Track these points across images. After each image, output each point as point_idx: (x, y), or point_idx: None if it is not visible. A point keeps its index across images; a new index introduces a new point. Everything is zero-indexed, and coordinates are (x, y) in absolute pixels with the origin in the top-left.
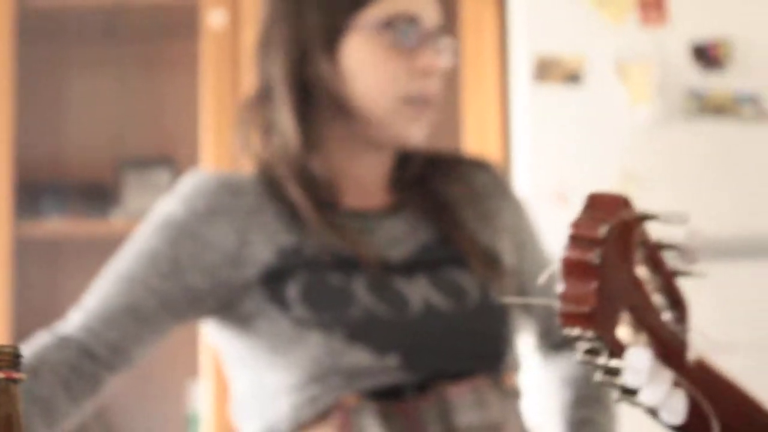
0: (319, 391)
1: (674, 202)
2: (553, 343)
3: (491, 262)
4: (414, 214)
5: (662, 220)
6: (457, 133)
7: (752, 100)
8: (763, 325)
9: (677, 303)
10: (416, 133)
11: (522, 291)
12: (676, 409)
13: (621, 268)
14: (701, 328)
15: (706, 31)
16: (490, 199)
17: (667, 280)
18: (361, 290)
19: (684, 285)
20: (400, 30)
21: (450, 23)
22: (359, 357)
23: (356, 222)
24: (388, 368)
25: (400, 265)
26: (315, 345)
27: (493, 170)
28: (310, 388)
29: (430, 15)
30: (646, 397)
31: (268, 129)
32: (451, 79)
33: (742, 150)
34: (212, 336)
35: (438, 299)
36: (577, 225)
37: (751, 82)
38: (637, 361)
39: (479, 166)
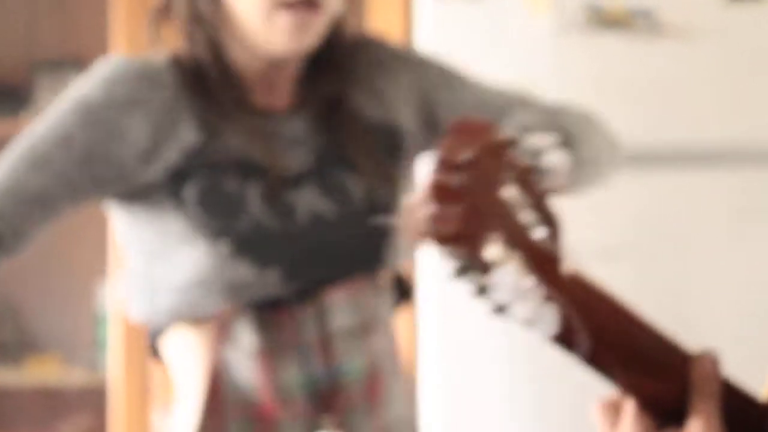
0: (199, 297)
1: None
2: None
3: (379, 163)
4: (311, 115)
5: (525, 143)
6: None
7: (646, 14)
8: (659, 234)
9: (549, 220)
10: (300, 43)
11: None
12: (548, 322)
13: (487, 190)
14: (586, 237)
15: None
16: (382, 76)
17: (538, 200)
18: (253, 199)
19: (593, 195)
20: None
21: None
22: (241, 271)
23: (263, 123)
24: (269, 282)
25: (295, 173)
26: (201, 252)
27: (375, 45)
28: (190, 293)
29: None
30: (517, 312)
31: (192, 20)
32: None
33: (635, 63)
34: (114, 218)
35: (324, 207)
36: (443, 149)
37: None
38: (503, 278)
39: (365, 43)
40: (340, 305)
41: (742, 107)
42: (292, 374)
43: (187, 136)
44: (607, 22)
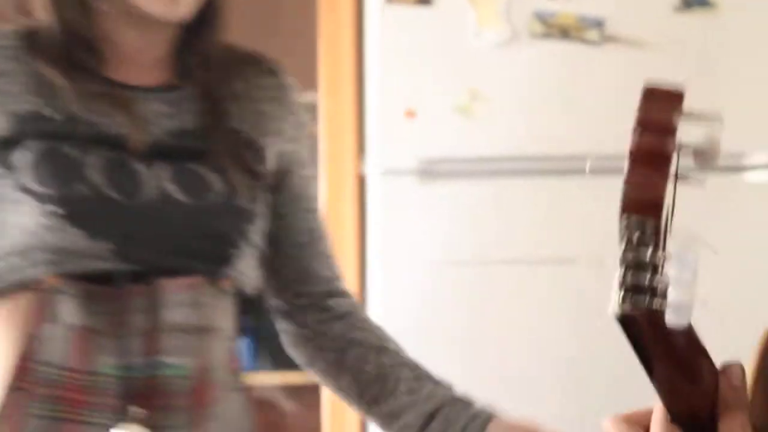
0: (21, 264)
1: (519, 119)
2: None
3: (245, 163)
4: (183, 98)
5: (700, 118)
6: (312, 51)
7: (597, 24)
8: (599, 239)
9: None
10: (174, 8)
11: (274, 220)
12: (687, 314)
13: (670, 161)
14: (546, 244)
15: None
16: (270, 103)
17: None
18: (94, 167)
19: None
20: None
21: None
22: (70, 239)
23: (113, 94)
24: (99, 254)
25: (147, 149)
26: (29, 215)
27: (283, 78)
28: (12, 259)
29: None
30: (675, 293)
31: None
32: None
33: (585, 72)
34: None
35: (175, 190)
36: (647, 112)
37: (597, 6)
38: (687, 255)
39: (269, 69)
40: (176, 299)
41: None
42: (109, 360)
43: (21, 102)
44: (557, 31)
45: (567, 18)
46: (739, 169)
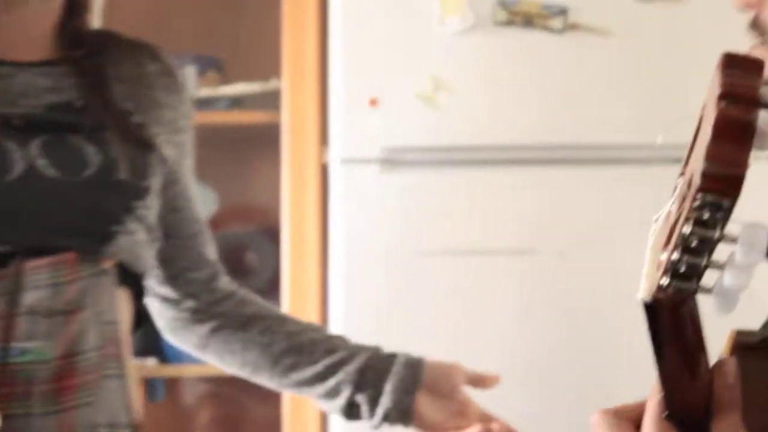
0: None
1: (482, 108)
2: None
3: (131, 137)
4: (66, 73)
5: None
6: (276, 38)
7: (561, 12)
8: (562, 230)
9: None
10: None
11: (169, 212)
12: (734, 302)
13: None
14: (499, 235)
15: None
16: (161, 91)
17: None
18: None
19: (489, 192)
20: None
21: None
22: None
23: None
24: None
25: (19, 123)
26: None
27: (173, 67)
28: None
29: None
30: (732, 278)
31: None
32: None
33: (549, 61)
34: None
35: (45, 165)
36: (731, 82)
37: None
38: (756, 238)
39: (158, 57)
40: (35, 281)
41: (655, 106)
42: None
43: None
44: (521, 18)
45: (530, 6)
46: None
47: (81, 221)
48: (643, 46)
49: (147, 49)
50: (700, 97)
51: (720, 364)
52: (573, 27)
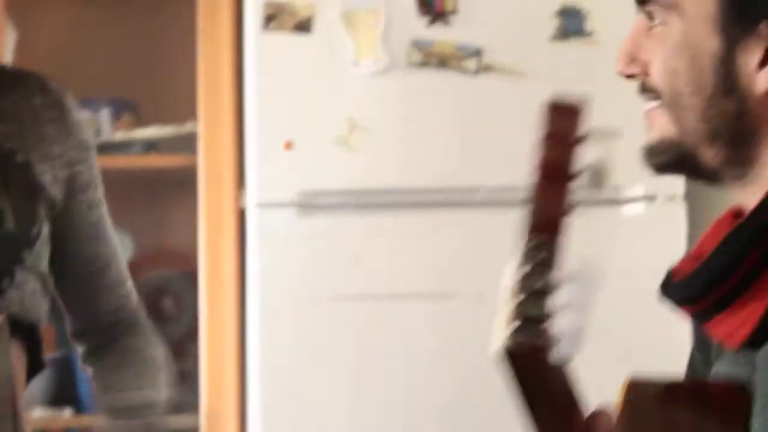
0: None
1: (398, 151)
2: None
3: (14, 184)
4: None
5: (598, 135)
6: (191, 80)
7: (475, 53)
8: (479, 274)
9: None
10: None
11: (56, 248)
12: (580, 343)
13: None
14: (410, 279)
15: None
16: (45, 125)
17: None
18: None
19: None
20: None
21: None
22: None
23: None
24: None
25: None
26: None
27: (61, 97)
28: None
29: None
30: (571, 320)
31: None
32: (187, 29)
33: (464, 101)
34: None
35: None
36: (551, 126)
37: (475, 35)
38: (586, 280)
39: (44, 88)
40: None
41: None
42: None
43: None
44: (436, 60)
45: (445, 47)
46: (616, 202)
47: None
48: (557, 87)
49: (32, 80)
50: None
51: (596, 413)
52: (487, 68)
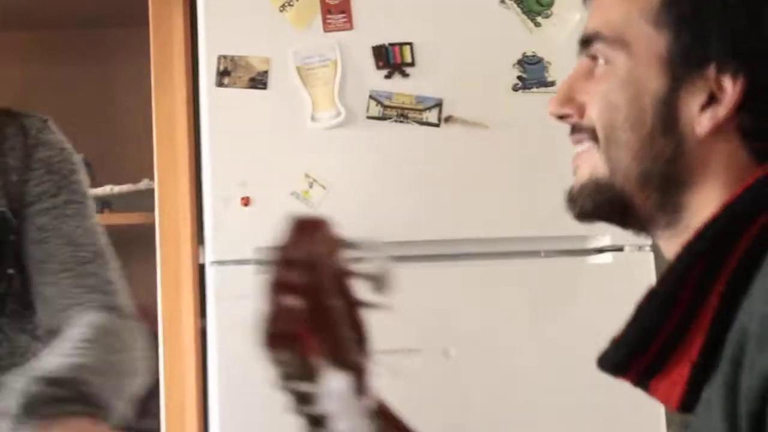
0: None
1: (356, 204)
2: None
3: None
4: None
5: (360, 247)
6: (148, 135)
7: (435, 104)
8: (449, 329)
9: (358, 328)
10: None
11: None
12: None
13: (320, 293)
14: (388, 335)
15: (388, 36)
16: (12, 154)
17: (352, 306)
18: None
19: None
20: None
21: (138, 19)
22: None
23: None
24: None
25: None
26: None
27: (25, 126)
28: None
29: None
30: (338, 423)
31: None
32: (141, 77)
33: (424, 153)
34: None
35: None
36: (285, 246)
37: (435, 86)
38: (335, 388)
39: (13, 118)
40: None
41: (535, 197)
42: None
43: None
44: (395, 112)
45: (404, 99)
46: (584, 252)
47: None
48: (519, 137)
49: (10, 122)
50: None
51: None
52: (448, 119)
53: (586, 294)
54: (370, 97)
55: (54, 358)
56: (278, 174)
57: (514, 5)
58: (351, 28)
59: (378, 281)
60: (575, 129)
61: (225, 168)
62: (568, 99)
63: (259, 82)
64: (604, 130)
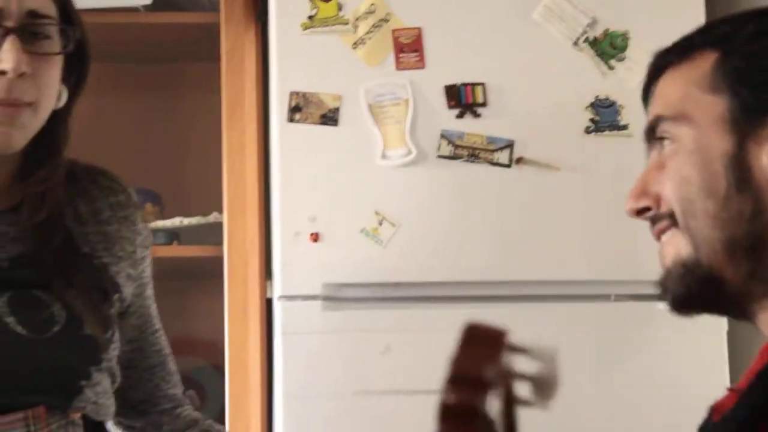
0: None
1: (426, 243)
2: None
3: (93, 290)
4: (24, 221)
5: (532, 355)
6: (216, 171)
7: (506, 145)
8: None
9: (511, 428)
10: (8, 140)
11: (125, 344)
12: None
13: (488, 412)
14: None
15: (460, 76)
16: (118, 224)
17: (509, 404)
18: None
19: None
20: None
21: (211, 54)
22: None
23: None
24: None
25: None
26: None
27: (128, 196)
28: None
29: (18, 8)
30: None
31: None
32: (212, 111)
33: (495, 194)
34: None
35: (14, 323)
36: (459, 363)
37: (506, 127)
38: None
39: (114, 187)
40: None
41: (605, 240)
42: None
43: None
44: (466, 152)
45: (475, 139)
46: (653, 297)
47: (52, 379)
48: (590, 180)
49: (104, 178)
50: (647, 230)
51: None
52: (519, 161)
53: (655, 340)
54: (442, 136)
55: None
56: (348, 210)
57: (588, 48)
58: (423, 66)
59: (543, 385)
60: (655, 219)
61: (295, 203)
62: (643, 192)
63: (330, 118)
64: (681, 205)
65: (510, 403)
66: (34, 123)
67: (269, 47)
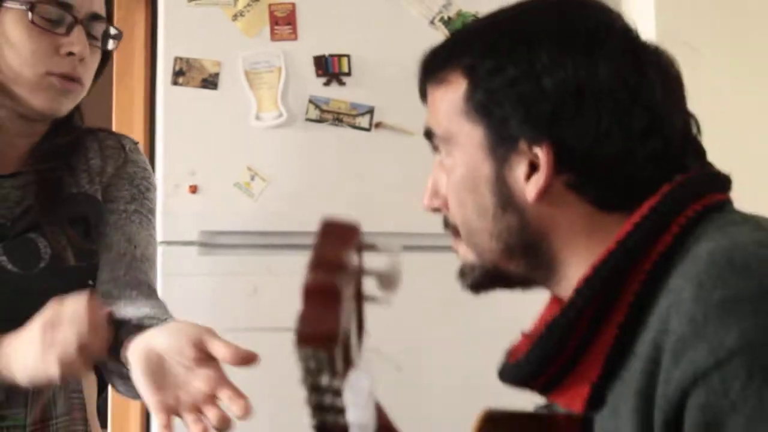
0: None
1: (291, 196)
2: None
3: (75, 228)
4: (28, 179)
5: (379, 248)
6: (108, 124)
7: (367, 111)
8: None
9: (360, 323)
10: (61, 106)
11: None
12: (370, 429)
13: (347, 296)
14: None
15: (328, 48)
16: (111, 161)
17: (359, 301)
18: None
19: None
20: (47, 12)
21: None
22: None
23: None
24: None
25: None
26: None
27: (115, 141)
28: None
29: (86, 3)
30: (352, 415)
31: None
32: (104, 73)
33: (356, 154)
34: None
35: (5, 260)
36: (320, 249)
37: (368, 95)
38: (360, 383)
39: (111, 138)
40: None
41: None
42: None
43: None
44: (331, 116)
45: (340, 104)
46: None
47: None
48: None
49: (112, 137)
50: None
51: None
52: (378, 125)
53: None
54: (310, 101)
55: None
56: (224, 166)
57: (442, 26)
58: (296, 38)
59: (387, 280)
60: (446, 223)
61: (176, 157)
62: (435, 193)
63: (210, 82)
64: (462, 227)
65: (359, 298)
66: (78, 99)
67: (157, 17)
